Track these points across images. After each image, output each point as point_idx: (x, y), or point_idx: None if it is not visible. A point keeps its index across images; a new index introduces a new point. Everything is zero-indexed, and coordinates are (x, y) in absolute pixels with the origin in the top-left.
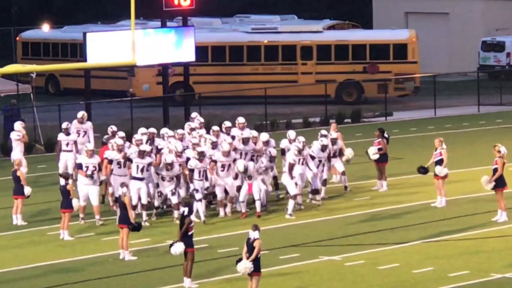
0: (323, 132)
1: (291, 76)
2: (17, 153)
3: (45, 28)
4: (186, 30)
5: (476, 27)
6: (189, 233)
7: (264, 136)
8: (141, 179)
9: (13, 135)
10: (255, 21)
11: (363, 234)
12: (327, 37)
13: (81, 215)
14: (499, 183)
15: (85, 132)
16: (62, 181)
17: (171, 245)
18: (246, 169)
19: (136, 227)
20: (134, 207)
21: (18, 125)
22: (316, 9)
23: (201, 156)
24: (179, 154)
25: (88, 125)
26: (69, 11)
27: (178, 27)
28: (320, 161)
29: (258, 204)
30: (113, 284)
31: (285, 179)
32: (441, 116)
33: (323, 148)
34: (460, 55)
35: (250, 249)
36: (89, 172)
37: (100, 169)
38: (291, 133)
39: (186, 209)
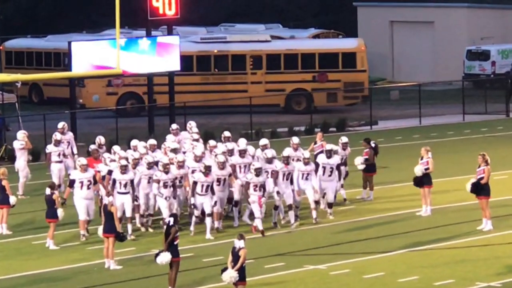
0: (344, 138)
1: (241, 86)
2: (21, 162)
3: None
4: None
5: (461, 36)
6: (175, 243)
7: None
8: (125, 193)
9: (16, 145)
10: (240, 30)
11: (349, 243)
12: (276, 46)
13: (82, 232)
14: (485, 192)
15: (68, 143)
16: (48, 191)
17: (156, 255)
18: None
19: (121, 237)
20: (120, 220)
21: (20, 134)
22: (301, 18)
23: (207, 170)
24: (181, 164)
25: (70, 135)
26: (54, 20)
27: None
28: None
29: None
30: None
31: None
32: (426, 125)
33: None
34: (445, 64)
35: (235, 258)
36: (84, 187)
37: (95, 183)
38: (295, 139)
39: (171, 219)
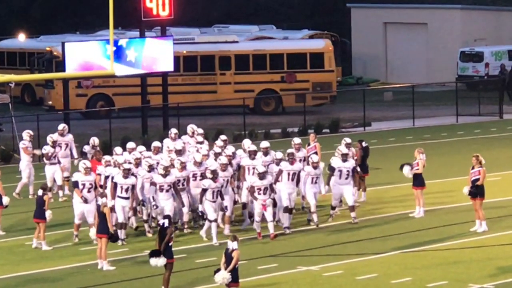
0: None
1: (210, 87)
2: (24, 162)
3: (21, 37)
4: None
5: (455, 38)
6: (169, 244)
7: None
8: (126, 198)
9: (20, 144)
10: (233, 31)
11: (342, 244)
12: (244, 47)
13: (75, 233)
14: (479, 193)
15: (67, 145)
16: (40, 192)
17: (150, 255)
18: None
19: (114, 238)
20: (124, 226)
21: (24, 134)
22: (295, 20)
23: (215, 174)
24: (184, 166)
25: (69, 137)
26: (47, 20)
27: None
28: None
29: (271, 226)
30: None
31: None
32: (419, 127)
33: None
34: (439, 65)
35: (228, 259)
36: (85, 190)
37: (96, 187)
38: (296, 140)
39: (166, 221)
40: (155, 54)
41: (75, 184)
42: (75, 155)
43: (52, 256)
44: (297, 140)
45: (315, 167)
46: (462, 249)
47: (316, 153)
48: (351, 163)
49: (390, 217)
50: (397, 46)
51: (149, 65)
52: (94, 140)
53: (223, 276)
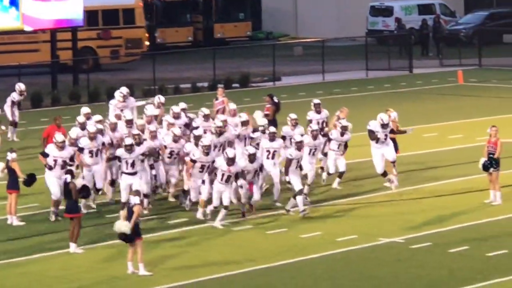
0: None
1: (33, 45)
2: None
3: None
4: None
5: None
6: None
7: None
8: (133, 173)
9: None
10: None
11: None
12: None
13: (52, 209)
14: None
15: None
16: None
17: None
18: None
19: (29, 180)
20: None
21: None
22: None
23: (231, 162)
24: (154, 135)
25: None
26: None
27: None
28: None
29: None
30: (1, 250)
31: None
32: (329, 81)
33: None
34: (349, 20)
35: (130, 214)
36: (58, 167)
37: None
38: (292, 115)
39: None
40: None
41: (45, 154)
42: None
43: None
44: (293, 115)
45: (315, 138)
46: (372, 204)
47: (224, 109)
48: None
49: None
50: (307, 1)
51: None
52: (20, 86)
53: (122, 223)
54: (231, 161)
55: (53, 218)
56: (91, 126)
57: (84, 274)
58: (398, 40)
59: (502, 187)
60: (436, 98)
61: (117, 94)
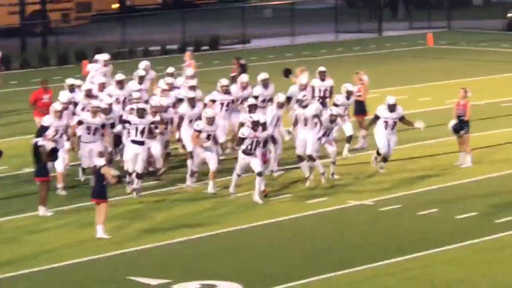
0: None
1: None
2: None
3: None
4: None
5: None
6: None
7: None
8: (141, 142)
9: None
10: None
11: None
12: None
13: (59, 185)
14: (361, 111)
15: None
16: None
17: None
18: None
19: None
20: (130, 174)
21: None
22: None
23: (256, 126)
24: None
25: None
26: None
27: None
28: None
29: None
30: None
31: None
32: (299, 44)
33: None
34: None
35: (98, 176)
36: (58, 136)
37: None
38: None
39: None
40: None
41: (44, 129)
42: None
43: None
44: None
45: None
46: (343, 165)
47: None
48: (399, 112)
49: None
50: None
51: None
52: None
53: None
54: (257, 125)
55: (64, 193)
56: (102, 101)
57: (54, 237)
58: (367, 3)
59: (472, 149)
60: (405, 61)
61: (101, 57)
